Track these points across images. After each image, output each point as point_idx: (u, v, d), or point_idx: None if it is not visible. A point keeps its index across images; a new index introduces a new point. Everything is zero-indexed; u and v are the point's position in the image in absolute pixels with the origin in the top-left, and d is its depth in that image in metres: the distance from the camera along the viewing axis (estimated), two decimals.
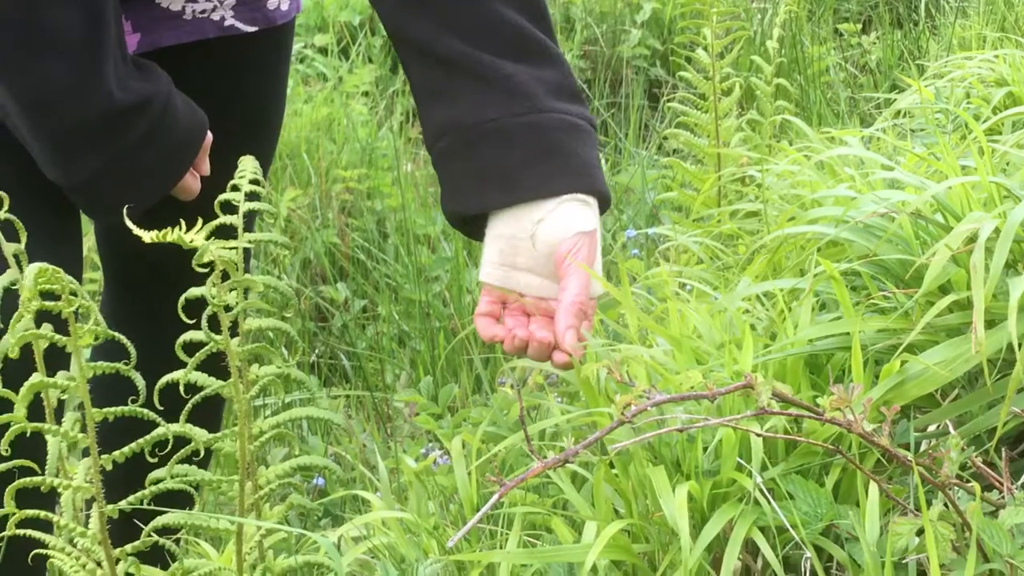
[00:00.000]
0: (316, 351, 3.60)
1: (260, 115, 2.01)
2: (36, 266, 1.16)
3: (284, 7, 1.94)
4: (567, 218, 1.59)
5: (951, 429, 1.53)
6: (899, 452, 1.37)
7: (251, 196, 1.45)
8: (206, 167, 1.77)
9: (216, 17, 1.88)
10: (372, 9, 5.31)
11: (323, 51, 5.22)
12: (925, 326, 1.55)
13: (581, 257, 1.58)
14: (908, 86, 2.72)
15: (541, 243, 1.59)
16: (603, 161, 4.20)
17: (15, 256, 1.43)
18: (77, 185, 1.68)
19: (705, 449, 1.51)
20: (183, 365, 1.38)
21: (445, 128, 1.62)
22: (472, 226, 1.66)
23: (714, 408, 1.44)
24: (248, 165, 1.48)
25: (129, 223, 1.28)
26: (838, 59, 4.65)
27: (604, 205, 1.62)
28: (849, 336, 1.54)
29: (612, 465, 1.57)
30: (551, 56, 1.64)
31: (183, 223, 1.25)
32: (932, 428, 1.57)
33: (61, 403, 1.60)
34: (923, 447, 1.54)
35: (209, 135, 1.76)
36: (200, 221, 1.29)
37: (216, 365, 1.41)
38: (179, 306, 1.33)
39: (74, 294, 1.22)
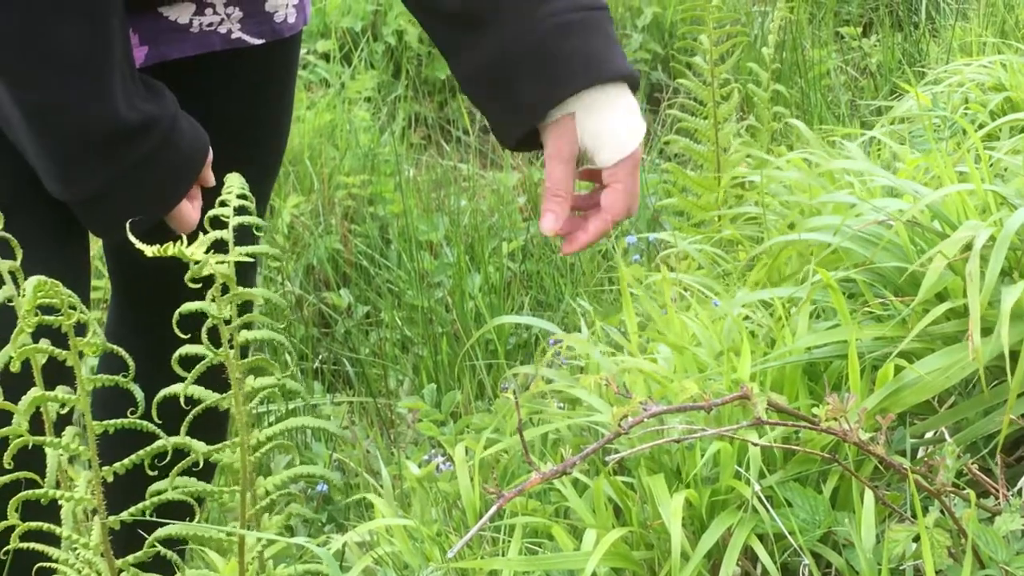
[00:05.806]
0: (319, 357, 3.61)
1: (267, 126, 2.01)
2: (35, 280, 1.16)
3: (292, 20, 1.94)
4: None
5: (947, 436, 1.54)
6: (895, 460, 1.37)
7: (240, 211, 1.46)
8: (211, 179, 1.78)
9: (223, 30, 1.88)
10: (374, 16, 5.34)
11: (325, 57, 5.23)
12: (921, 334, 1.55)
13: (551, 146, 1.65)
14: (907, 91, 2.72)
15: None
16: None
17: (11, 273, 1.44)
18: (77, 201, 1.69)
19: (704, 457, 1.51)
20: (185, 378, 1.39)
21: (472, 76, 1.69)
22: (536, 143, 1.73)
23: (711, 418, 1.45)
24: (235, 181, 1.49)
25: (132, 237, 1.29)
26: (839, 62, 4.66)
27: (631, 82, 1.66)
28: (846, 344, 1.55)
29: (614, 472, 1.58)
30: None
31: (184, 237, 1.26)
32: (929, 435, 1.58)
33: (67, 417, 1.61)
34: (920, 454, 1.55)
35: (210, 156, 1.76)
36: (202, 235, 1.30)
37: (216, 378, 1.42)
38: (175, 320, 1.34)
39: (73, 307, 1.23)
